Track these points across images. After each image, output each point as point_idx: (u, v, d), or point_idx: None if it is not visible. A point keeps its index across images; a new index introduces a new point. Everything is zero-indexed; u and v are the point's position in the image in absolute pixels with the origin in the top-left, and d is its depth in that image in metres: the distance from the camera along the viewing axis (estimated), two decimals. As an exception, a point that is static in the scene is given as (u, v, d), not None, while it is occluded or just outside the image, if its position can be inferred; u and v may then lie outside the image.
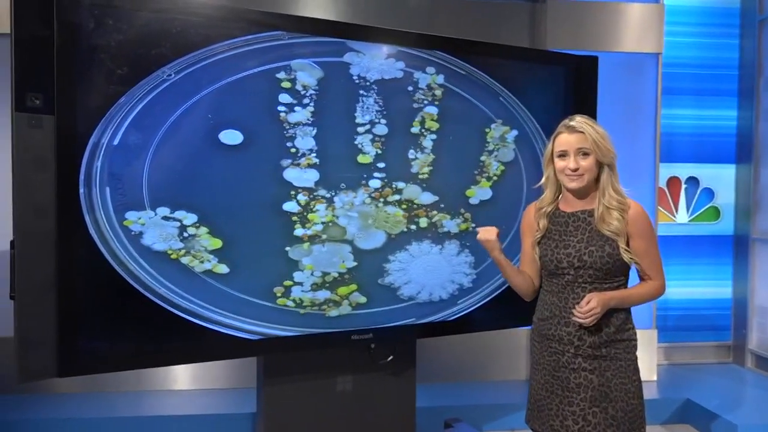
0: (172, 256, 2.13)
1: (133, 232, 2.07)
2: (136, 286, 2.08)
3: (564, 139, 1.93)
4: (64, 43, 1.92)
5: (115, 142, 2.03)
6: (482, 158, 2.62)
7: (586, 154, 1.91)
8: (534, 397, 2.05)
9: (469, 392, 3.81)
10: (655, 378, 4.02)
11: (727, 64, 4.31)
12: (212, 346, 2.22)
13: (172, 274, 2.13)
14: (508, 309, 2.71)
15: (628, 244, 1.92)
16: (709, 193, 4.39)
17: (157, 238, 2.11)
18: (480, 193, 2.62)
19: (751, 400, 3.78)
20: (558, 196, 2.03)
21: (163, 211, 2.11)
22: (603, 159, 1.91)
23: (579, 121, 1.93)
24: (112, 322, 2.08)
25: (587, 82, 2.80)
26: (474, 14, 3.84)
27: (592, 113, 2.82)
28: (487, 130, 2.62)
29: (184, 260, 2.15)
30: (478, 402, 3.66)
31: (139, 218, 2.08)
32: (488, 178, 2.63)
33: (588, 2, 3.85)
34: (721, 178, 4.38)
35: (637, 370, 1.97)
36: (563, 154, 1.94)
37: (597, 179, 1.94)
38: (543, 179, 2.05)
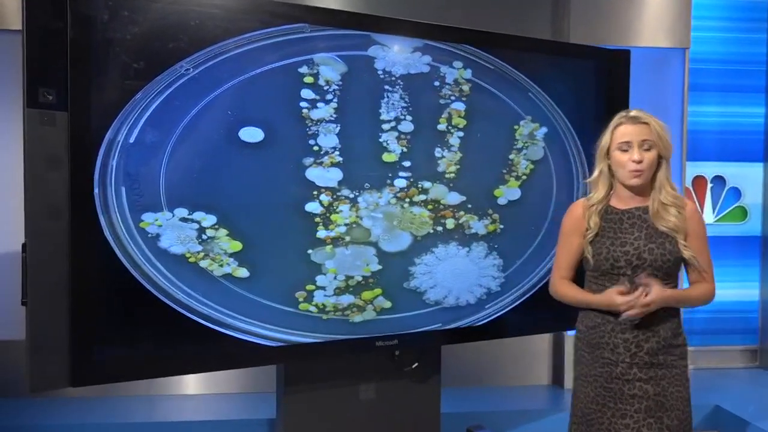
0: (191, 260, 2.04)
1: (149, 234, 1.98)
2: (153, 290, 1.99)
3: (627, 130, 1.84)
4: (77, 36, 1.83)
5: (131, 140, 1.93)
6: (511, 156, 2.51)
7: (649, 148, 1.82)
8: (581, 411, 1.94)
9: (491, 398, 3.70)
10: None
11: (754, 59, 4.17)
12: (232, 353, 2.12)
13: (190, 279, 2.03)
14: (536, 314, 2.62)
15: None
16: (736, 193, 4.25)
17: (175, 241, 2.01)
18: (508, 193, 2.51)
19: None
20: (609, 193, 1.93)
21: (181, 212, 2.01)
22: (665, 153, 1.84)
23: (641, 112, 1.85)
24: (128, 328, 1.99)
25: (619, 77, 2.69)
26: (494, 6, 3.73)
27: (624, 108, 2.71)
28: (515, 127, 2.51)
29: (203, 264, 2.05)
30: (500, 408, 3.55)
31: (156, 219, 1.98)
32: (517, 177, 2.53)
33: (612, -5, 3.74)
34: (748, 177, 4.24)
35: (688, 377, 1.90)
36: (624, 147, 1.83)
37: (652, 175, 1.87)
38: (594, 175, 1.95)
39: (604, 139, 1.90)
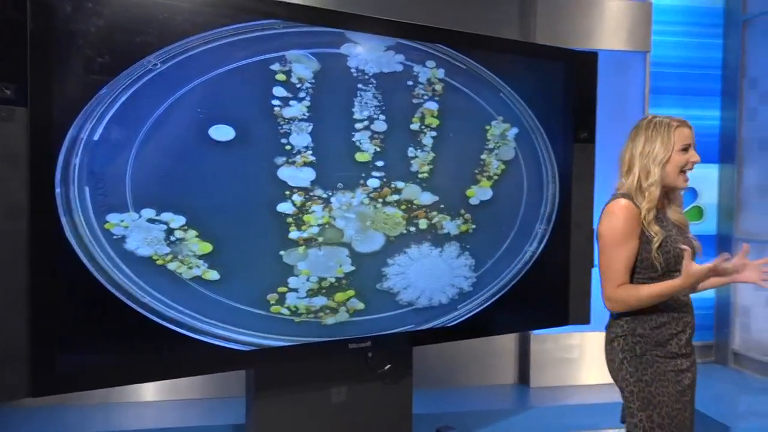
0: (158, 262, 1.96)
1: (115, 236, 1.89)
2: (119, 294, 1.90)
3: (687, 132, 1.93)
4: (38, 27, 1.73)
5: (96, 137, 1.85)
6: (483, 156, 2.51)
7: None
8: (667, 414, 1.91)
9: (459, 398, 3.71)
10: (641, 379, 3.98)
11: (711, 64, 4.31)
12: (202, 358, 2.05)
13: (158, 282, 1.96)
14: (508, 314, 2.62)
15: None
16: (693, 193, 4.38)
17: (142, 243, 1.93)
18: (480, 193, 2.51)
19: (740, 401, 3.78)
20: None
21: (149, 212, 1.93)
22: None
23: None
24: (92, 334, 1.90)
25: (587, 79, 2.72)
26: (461, 6, 3.73)
27: (591, 110, 2.76)
28: (487, 127, 2.51)
29: (171, 266, 1.98)
30: (468, 408, 3.57)
31: (122, 221, 1.90)
32: (489, 178, 2.53)
33: (577, -2, 3.79)
34: (705, 178, 4.38)
35: None
36: (686, 148, 1.93)
37: None
38: (654, 179, 1.92)
39: (658, 145, 1.91)
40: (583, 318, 2.78)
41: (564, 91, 2.69)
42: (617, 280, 1.92)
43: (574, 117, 2.71)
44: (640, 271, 1.94)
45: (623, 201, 1.93)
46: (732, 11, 4.25)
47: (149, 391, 3.47)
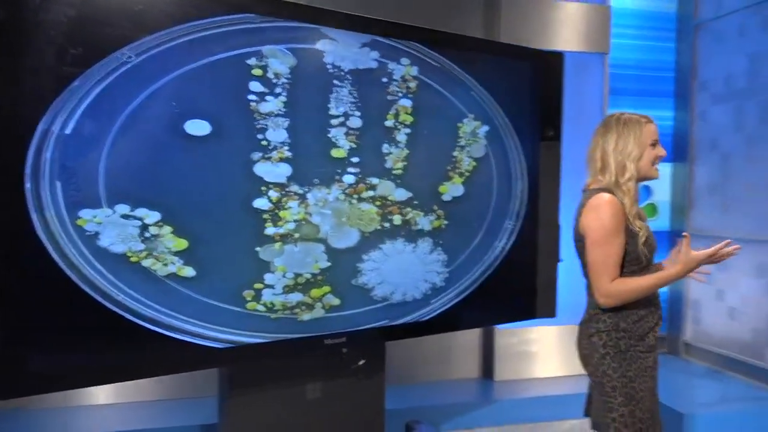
0: (132, 259, 1.92)
1: (87, 233, 1.85)
2: (92, 292, 1.86)
3: (654, 129, 2.01)
4: (7, 16, 1.68)
5: (68, 131, 1.80)
6: (455, 153, 2.55)
7: None
8: (648, 409, 1.96)
9: (425, 393, 3.73)
10: (601, 371, 4.11)
11: (665, 66, 4.47)
12: (178, 356, 2.02)
13: (132, 279, 1.92)
14: (479, 308, 2.67)
15: None
16: (647, 191, 4.54)
17: (116, 239, 1.89)
18: (452, 189, 2.55)
19: (693, 390, 3.94)
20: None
21: (123, 208, 1.89)
22: None
23: None
24: (64, 334, 1.84)
25: (554, 78, 2.80)
26: (426, 8, 3.76)
27: (557, 108, 2.83)
28: (459, 124, 2.55)
29: (146, 263, 1.94)
30: (435, 402, 3.60)
31: (95, 217, 1.85)
32: (460, 174, 2.57)
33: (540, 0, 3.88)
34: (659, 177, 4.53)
35: None
36: (654, 143, 1.99)
37: None
38: (630, 174, 1.96)
39: (631, 142, 1.96)
40: (549, 312, 2.85)
41: (531, 90, 2.76)
42: (612, 275, 1.91)
43: (541, 115, 2.78)
44: (626, 265, 1.95)
45: (607, 196, 1.93)
46: (684, 16, 4.42)
47: (110, 393, 3.38)
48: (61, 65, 1.78)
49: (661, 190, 4.58)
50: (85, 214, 1.84)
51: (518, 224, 2.74)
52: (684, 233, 1.94)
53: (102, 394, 3.34)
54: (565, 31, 3.92)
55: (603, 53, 4.00)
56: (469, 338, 4.03)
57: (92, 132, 1.84)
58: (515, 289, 2.78)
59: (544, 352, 4.04)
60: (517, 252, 2.74)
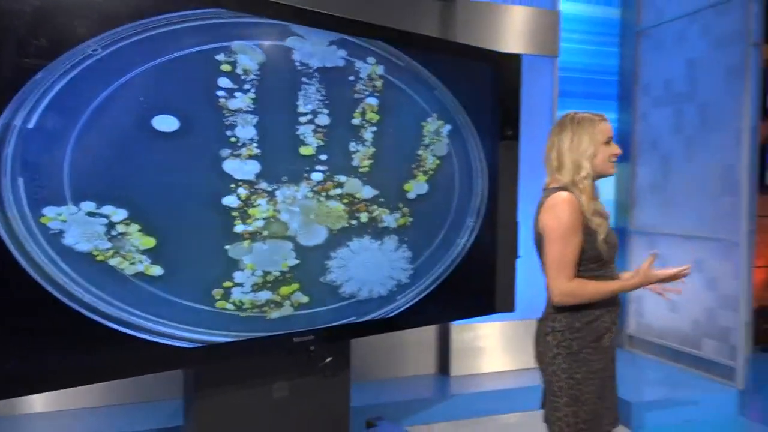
0: (99, 258, 1.86)
1: (52, 231, 1.78)
2: (56, 293, 1.79)
3: (608, 126, 2.00)
4: (-34, 4, 1.60)
5: (31, 125, 1.73)
6: (419, 152, 2.59)
7: None
8: (593, 411, 1.97)
9: (383, 390, 3.76)
10: (551, 364, 4.25)
11: (609, 70, 4.66)
12: (145, 357, 1.97)
13: (99, 278, 1.86)
14: (442, 304, 2.72)
15: None
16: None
17: (81, 238, 1.83)
18: (417, 187, 2.59)
19: (638, 380, 4.13)
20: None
21: (88, 206, 1.84)
22: None
23: None
24: (25, 336, 1.77)
25: (512, 79, 2.88)
26: (383, 10, 3.80)
27: (515, 109, 2.91)
28: (423, 123, 2.59)
29: (113, 262, 1.89)
30: (394, 399, 3.63)
31: (60, 214, 1.79)
32: (424, 173, 2.61)
33: (493, 3, 3.97)
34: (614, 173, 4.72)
35: None
36: (608, 141, 1.99)
37: None
38: (586, 172, 1.96)
39: (586, 140, 1.96)
40: (508, 306, 2.93)
41: (491, 91, 2.83)
42: (569, 274, 1.91)
43: (500, 115, 2.86)
44: (584, 263, 1.94)
45: (565, 194, 1.93)
46: (627, 23, 4.63)
47: (49, 400, 3.23)
48: (24, 56, 1.71)
49: (606, 188, 4.77)
50: (49, 211, 1.78)
51: (479, 221, 2.81)
52: (652, 252, 2.00)
53: (39, 402, 3.19)
54: (518, 34, 4.03)
55: (553, 57, 4.14)
56: (426, 335, 4.08)
57: (56, 127, 1.78)
58: (476, 284, 2.85)
59: (499, 347, 4.14)
60: (478, 249, 2.80)
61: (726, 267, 3.98)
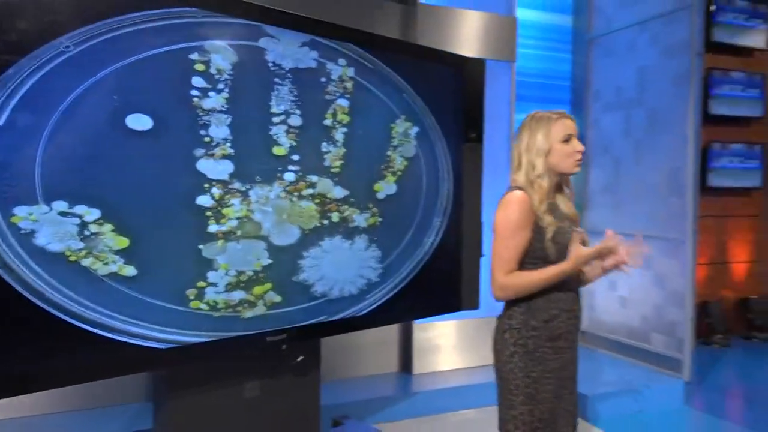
0: (71, 258, 1.83)
1: (22, 231, 1.74)
2: (27, 294, 1.75)
3: (568, 124, 1.96)
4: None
5: (0, 123, 1.69)
6: (388, 153, 2.64)
7: None
8: (548, 411, 1.97)
9: (347, 389, 3.79)
10: (509, 360, 4.36)
11: (562, 76, 4.83)
12: (119, 359, 1.95)
13: (71, 279, 1.83)
14: (410, 302, 2.77)
15: None
16: (548, 191, 4.87)
17: (53, 238, 1.80)
18: (386, 187, 2.63)
19: (591, 373, 4.28)
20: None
21: (60, 205, 1.80)
22: None
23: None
24: (-4, 339, 1.73)
25: (476, 83, 2.96)
26: (348, 10, 3.83)
27: (479, 112, 2.99)
28: (392, 125, 2.64)
29: (86, 262, 1.86)
30: (357, 398, 3.67)
31: (31, 214, 1.76)
32: (393, 173, 2.66)
33: (453, 9, 4.06)
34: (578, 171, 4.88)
35: None
36: (567, 139, 1.95)
37: None
38: (539, 171, 1.96)
39: (540, 138, 1.96)
40: (473, 304, 3.01)
41: (456, 94, 2.90)
42: (507, 268, 1.94)
43: (465, 118, 2.93)
44: (532, 261, 1.95)
45: (518, 192, 1.96)
46: (579, 31, 4.81)
47: (19, 406, 3.13)
48: (-7, 52, 1.67)
49: (559, 190, 4.93)
50: (20, 211, 1.74)
51: (445, 221, 2.87)
52: (578, 231, 1.97)
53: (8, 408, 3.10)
54: (477, 39, 4.14)
55: (511, 62, 4.26)
56: (388, 334, 4.13)
57: (27, 124, 1.74)
58: (443, 283, 2.91)
59: (458, 344, 4.22)
60: (445, 248, 2.87)
61: (673, 264, 4.18)
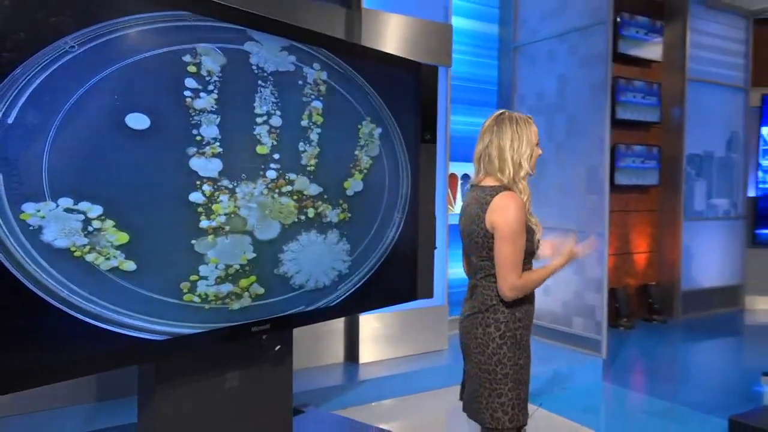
0: (76, 254, 1.87)
1: (31, 227, 1.77)
2: (35, 289, 1.78)
3: (536, 129, 2.14)
4: (-52, -6, 1.57)
5: (10, 120, 1.71)
6: (356, 152, 2.81)
7: None
8: (526, 394, 2.14)
9: (301, 378, 3.92)
10: (446, 347, 4.63)
11: (490, 80, 5.18)
12: (118, 351, 2.00)
13: (76, 274, 1.87)
14: (374, 292, 2.95)
15: None
16: (477, 188, 5.21)
17: (59, 234, 1.83)
18: (354, 185, 2.80)
19: (535, 362, 4.65)
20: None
21: (66, 202, 1.84)
22: None
23: None
24: (4, 332, 1.74)
25: (430, 87, 3.19)
26: (294, 12, 3.95)
27: (433, 114, 3.23)
28: (359, 126, 2.81)
29: (89, 258, 1.90)
30: (308, 387, 3.81)
31: (39, 211, 1.79)
32: (360, 171, 2.83)
33: (395, 15, 4.28)
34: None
35: None
36: (538, 142, 2.13)
37: None
38: (525, 171, 2.09)
39: (525, 141, 2.09)
40: (428, 293, 3.24)
41: (413, 97, 3.12)
42: (520, 271, 2.02)
43: (421, 120, 3.16)
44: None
45: (512, 194, 2.02)
46: (505, 39, 5.18)
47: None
48: (1, 51, 1.69)
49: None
50: (28, 207, 1.76)
51: (403, 217, 3.08)
52: (572, 230, 2.32)
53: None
54: (416, 44, 4.38)
55: (447, 66, 4.54)
56: (336, 326, 4.30)
57: (35, 122, 1.77)
58: (401, 274, 3.12)
59: (401, 334, 4.46)
60: (403, 241, 3.07)
61: (591, 254, 4.64)
